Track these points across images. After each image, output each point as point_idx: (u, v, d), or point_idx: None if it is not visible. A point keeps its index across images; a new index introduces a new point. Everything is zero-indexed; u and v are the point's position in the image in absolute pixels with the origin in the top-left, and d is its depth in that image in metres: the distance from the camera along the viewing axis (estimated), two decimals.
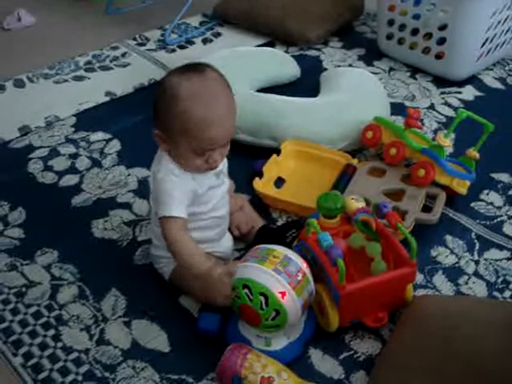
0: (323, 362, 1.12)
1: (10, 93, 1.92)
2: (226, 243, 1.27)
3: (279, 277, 1.03)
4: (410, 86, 1.90)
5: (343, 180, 1.43)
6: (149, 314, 1.21)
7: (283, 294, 1.03)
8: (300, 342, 1.12)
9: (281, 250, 1.08)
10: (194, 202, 1.16)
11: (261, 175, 1.46)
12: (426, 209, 1.37)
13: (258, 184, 1.44)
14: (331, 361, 1.13)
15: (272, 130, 1.56)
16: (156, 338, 1.17)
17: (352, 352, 1.14)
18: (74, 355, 1.15)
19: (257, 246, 1.12)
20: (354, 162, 1.49)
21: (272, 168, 1.49)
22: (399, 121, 1.69)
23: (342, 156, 1.51)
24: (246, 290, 1.04)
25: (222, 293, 1.07)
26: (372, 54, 2.07)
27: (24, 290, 1.27)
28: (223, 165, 1.21)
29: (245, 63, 1.81)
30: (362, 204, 1.20)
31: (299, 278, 1.06)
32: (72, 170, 1.60)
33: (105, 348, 1.16)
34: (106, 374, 1.11)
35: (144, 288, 1.26)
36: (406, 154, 1.44)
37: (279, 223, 1.40)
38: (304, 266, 1.08)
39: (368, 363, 1.11)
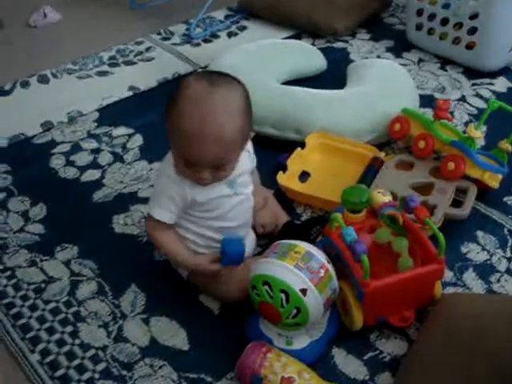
0: (347, 363, 1.08)
1: (34, 89, 1.91)
2: (247, 246, 1.22)
3: (300, 273, 0.99)
4: (439, 78, 1.84)
5: (370, 173, 1.39)
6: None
7: (304, 291, 0.99)
8: (323, 341, 1.08)
9: (302, 246, 1.04)
10: (193, 208, 1.12)
11: (285, 169, 1.42)
12: (456, 203, 1.31)
13: (282, 178, 1.40)
14: (355, 361, 1.08)
15: (297, 123, 1.52)
16: (175, 336, 1.14)
17: (377, 352, 1.09)
18: (91, 352, 1.12)
19: (278, 242, 1.08)
20: (382, 155, 1.44)
21: (296, 161, 1.45)
22: (429, 113, 1.63)
23: (368, 149, 1.46)
24: (267, 287, 1.00)
25: (218, 279, 1.13)
26: (401, 46, 2.00)
27: (43, 286, 1.26)
28: (239, 176, 1.13)
29: (270, 56, 1.77)
30: (388, 198, 1.16)
31: (321, 274, 1.01)
32: (94, 165, 1.58)
33: (122, 345, 1.13)
34: (124, 372, 1.09)
35: (164, 285, 1.23)
36: (436, 146, 1.39)
37: (303, 218, 1.36)
38: (326, 261, 1.04)
39: (393, 364, 1.07)
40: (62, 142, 1.67)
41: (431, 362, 0.97)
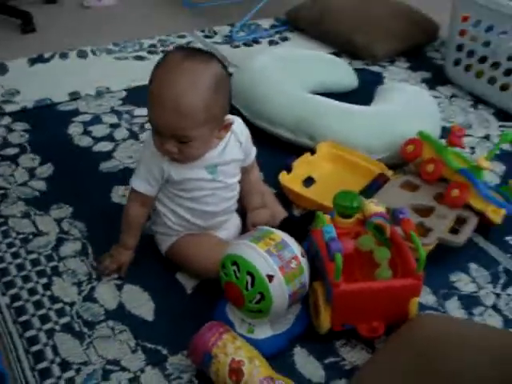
0: (306, 363, 1.06)
1: (72, 61, 1.99)
2: (226, 232, 1.22)
3: (270, 259, 0.98)
4: (469, 115, 1.81)
5: (372, 187, 1.37)
6: None
7: (271, 277, 0.98)
8: (285, 337, 1.06)
9: (279, 234, 1.03)
10: (171, 184, 1.13)
11: (290, 170, 1.42)
12: (454, 232, 1.28)
13: (285, 178, 1.39)
14: (315, 363, 1.06)
15: (312, 130, 1.52)
16: (143, 306, 1.14)
17: (339, 359, 1.07)
18: (58, 305, 1.13)
19: (257, 227, 1.08)
20: (389, 173, 1.42)
21: (303, 166, 1.45)
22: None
23: (377, 165, 1.45)
24: (235, 267, 0.99)
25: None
26: (437, 79, 1.99)
27: (31, 237, 1.28)
28: (224, 164, 1.14)
29: (302, 64, 1.79)
30: (381, 209, 1.14)
31: (292, 265, 1.00)
32: (109, 137, 1.62)
33: (90, 305, 1.14)
34: (84, 330, 1.09)
35: (145, 257, 1.23)
36: (444, 172, 1.36)
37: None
38: (300, 255, 1.02)
39: (353, 373, 1.03)
40: (85, 113, 1.71)
41: (381, 375, 0.94)
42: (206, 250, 1.16)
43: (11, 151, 1.54)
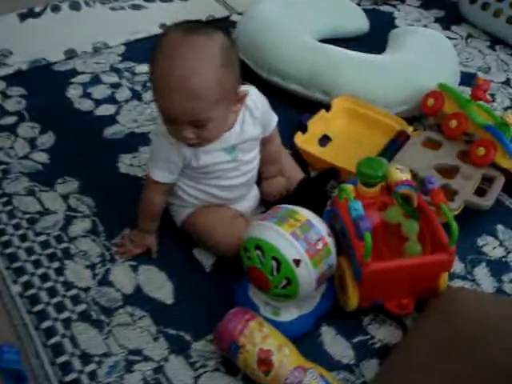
0: (334, 343, 1.02)
1: (64, 15, 1.85)
2: (246, 203, 1.17)
3: (296, 243, 0.93)
4: (486, 57, 1.72)
5: (393, 147, 1.30)
6: None
7: (298, 262, 0.92)
8: (312, 317, 1.02)
9: (304, 214, 0.97)
10: (192, 168, 1.07)
11: (305, 130, 1.34)
12: (480, 192, 1.22)
13: (300, 139, 1.32)
14: (343, 343, 1.02)
15: (325, 83, 1.43)
16: (161, 288, 1.10)
17: (368, 337, 1.03)
18: (73, 292, 1.09)
19: (279, 206, 1.02)
20: (409, 129, 1.35)
21: (318, 124, 1.37)
22: (467, 92, 1.51)
23: (396, 121, 1.37)
24: (259, 252, 0.94)
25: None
26: (451, 18, 1.88)
27: (37, 216, 1.22)
28: (241, 143, 1.07)
29: (310, 10, 1.67)
30: (406, 176, 1.07)
31: (319, 247, 0.95)
32: (110, 99, 1.53)
33: (106, 289, 1.09)
34: (102, 317, 1.05)
35: (160, 233, 1.17)
36: (468, 128, 1.29)
37: None
38: (327, 235, 0.97)
39: (383, 352, 1.00)
40: (83, 73, 1.61)
41: (420, 359, 0.91)
42: (224, 221, 1.11)
43: (9, 120, 1.45)
